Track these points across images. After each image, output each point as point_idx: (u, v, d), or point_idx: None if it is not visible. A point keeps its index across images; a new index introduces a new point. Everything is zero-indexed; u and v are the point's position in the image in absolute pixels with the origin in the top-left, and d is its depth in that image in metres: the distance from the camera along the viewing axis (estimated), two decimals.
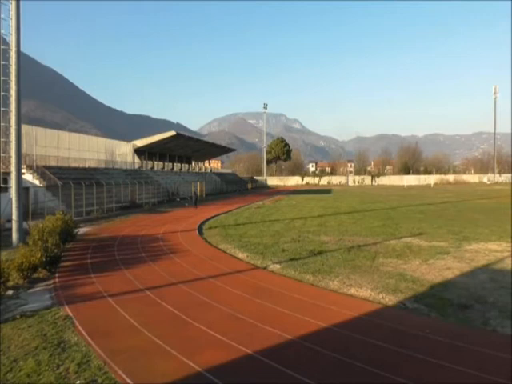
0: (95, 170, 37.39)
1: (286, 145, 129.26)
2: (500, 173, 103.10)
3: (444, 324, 6.39)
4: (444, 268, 10.04)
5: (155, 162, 54.50)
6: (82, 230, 18.18)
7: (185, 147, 58.01)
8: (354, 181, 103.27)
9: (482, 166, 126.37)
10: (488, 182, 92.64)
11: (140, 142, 48.10)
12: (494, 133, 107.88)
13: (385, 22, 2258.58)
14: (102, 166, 40.33)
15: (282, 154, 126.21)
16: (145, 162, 51.13)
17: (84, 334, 6.10)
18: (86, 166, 37.44)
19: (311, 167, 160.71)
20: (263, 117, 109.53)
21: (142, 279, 9.47)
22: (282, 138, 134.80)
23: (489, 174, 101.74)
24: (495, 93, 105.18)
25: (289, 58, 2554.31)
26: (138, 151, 48.54)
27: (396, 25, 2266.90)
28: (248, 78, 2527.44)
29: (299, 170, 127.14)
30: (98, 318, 6.87)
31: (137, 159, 49.03)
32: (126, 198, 32.75)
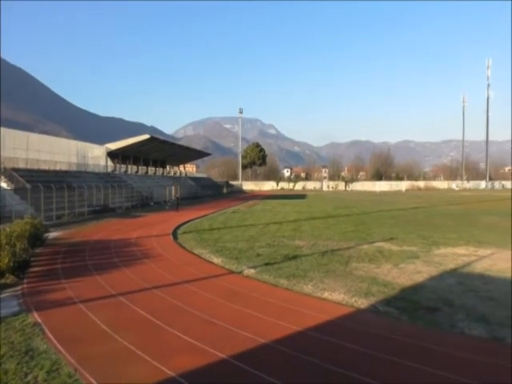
0: (66, 172, 36.53)
1: (262, 150, 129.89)
2: (468, 179, 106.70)
3: (413, 326, 6.55)
4: (414, 272, 10.30)
5: (129, 166, 53.70)
6: (53, 235, 17.70)
7: (159, 151, 57.47)
8: (329, 186, 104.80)
9: (451, 173, 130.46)
10: (456, 189, 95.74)
11: (113, 145, 47.33)
12: (463, 140, 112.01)
13: (358, 28, 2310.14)
14: (74, 169, 39.44)
15: (258, 159, 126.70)
16: (118, 165, 50.30)
17: (54, 340, 5.94)
18: (57, 168, 36.51)
19: (286, 172, 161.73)
20: (239, 122, 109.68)
21: (115, 284, 9.31)
22: (257, 143, 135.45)
23: (457, 181, 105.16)
24: (464, 102, 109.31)
25: (265, 64, 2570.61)
26: (112, 154, 47.74)
27: (369, 31, 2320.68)
28: (224, 82, 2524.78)
29: (274, 175, 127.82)
30: (68, 325, 6.71)
31: (110, 162, 48.19)
32: (98, 201, 32.09)
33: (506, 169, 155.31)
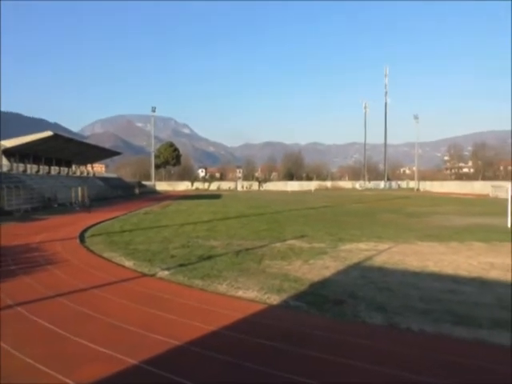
0: None
1: (176, 149, 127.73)
2: (369, 180, 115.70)
3: (322, 319, 6.95)
4: (322, 267, 10.91)
5: (28, 165, 49.25)
6: None
7: (64, 149, 53.61)
8: (243, 186, 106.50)
9: (355, 174, 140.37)
10: (360, 188, 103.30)
11: (9, 143, 43.05)
12: (365, 144, 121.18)
13: (265, 25, 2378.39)
14: None
15: (172, 159, 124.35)
16: (15, 164, 45.90)
17: None
18: None
19: (201, 172, 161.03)
20: (151, 120, 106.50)
21: (12, 295, 8.48)
22: (171, 143, 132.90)
23: (360, 181, 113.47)
24: (365, 108, 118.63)
25: (178, 61, 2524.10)
26: (7, 152, 43.36)
27: (276, 33, 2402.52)
28: (134, 79, 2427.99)
29: (189, 175, 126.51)
30: None
31: (5, 161, 43.77)
32: None
33: (402, 170, 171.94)
